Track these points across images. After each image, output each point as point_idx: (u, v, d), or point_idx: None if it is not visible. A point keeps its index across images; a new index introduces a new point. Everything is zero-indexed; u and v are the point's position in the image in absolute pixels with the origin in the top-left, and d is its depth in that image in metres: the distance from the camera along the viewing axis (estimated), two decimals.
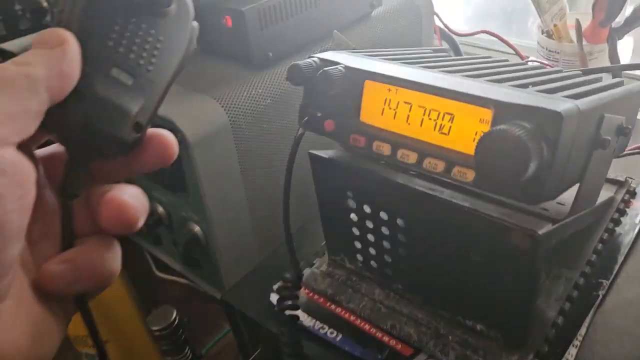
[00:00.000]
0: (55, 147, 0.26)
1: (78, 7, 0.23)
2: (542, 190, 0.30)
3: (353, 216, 0.42)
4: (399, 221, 0.39)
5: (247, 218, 0.58)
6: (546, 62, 0.81)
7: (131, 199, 0.24)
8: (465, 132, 0.32)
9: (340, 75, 0.35)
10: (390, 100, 0.35)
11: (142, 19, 0.25)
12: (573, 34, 0.78)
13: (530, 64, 0.47)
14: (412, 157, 0.34)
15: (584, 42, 0.77)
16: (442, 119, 0.33)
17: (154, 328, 0.49)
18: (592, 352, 0.39)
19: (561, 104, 0.29)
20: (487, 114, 0.31)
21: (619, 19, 0.75)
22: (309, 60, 0.37)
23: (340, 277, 0.46)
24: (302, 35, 0.58)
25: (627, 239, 0.46)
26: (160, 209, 0.61)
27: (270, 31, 0.54)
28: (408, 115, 0.34)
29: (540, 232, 0.32)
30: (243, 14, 0.51)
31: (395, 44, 0.69)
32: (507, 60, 0.46)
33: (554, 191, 0.31)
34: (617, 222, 0.47)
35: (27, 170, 0.21)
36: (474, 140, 0.32)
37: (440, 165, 0.33)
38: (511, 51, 0.81)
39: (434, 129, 0.33)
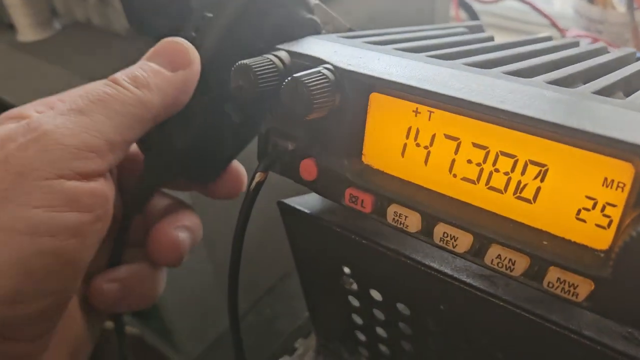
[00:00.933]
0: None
1: (217, 32, 0.23)
2: None
3: (353, 300, 0.27)
4: (429, 320, 0.24)
5: (206, 266, 0.42)
6: (587, 34, 0.64)
7: (182, 234, 0.25)
8: (569, 201, 0.16)
9: (327, 86, 0.19)
10: (418, 131, 0.19)
11: None
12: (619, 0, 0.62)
13: (591, 46, 0.31)
14: (463, 243, 0.18)
15: (636, 8, 0.61)
16: (524, 173, 0.17)
17: None
18: None
19: None
20: (624, 171, 0.15)
21: None
22: (269, 56, 0.21)
23: None
24: None
25: None
26: None
27: None
28: (454, 161, 0.18)
29: None
30: None
31: (401, 18, 0.53)
32: (575, 44, 0.29)
33: None
34: None
35: (110, 200, 0.20)
36: (586, 219, 0.16)
37: (521, 263, 0.17)
38: (545, 22, 0.65)
39: (506, 190, 0.17)
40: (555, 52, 0.24)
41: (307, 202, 0.25)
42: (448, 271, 0.21)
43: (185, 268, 0.40)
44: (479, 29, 0.32)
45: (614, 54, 0.26)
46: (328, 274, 0.26)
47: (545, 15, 0.63)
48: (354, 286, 0.26)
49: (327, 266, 0.26)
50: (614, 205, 0.16)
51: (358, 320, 0.28)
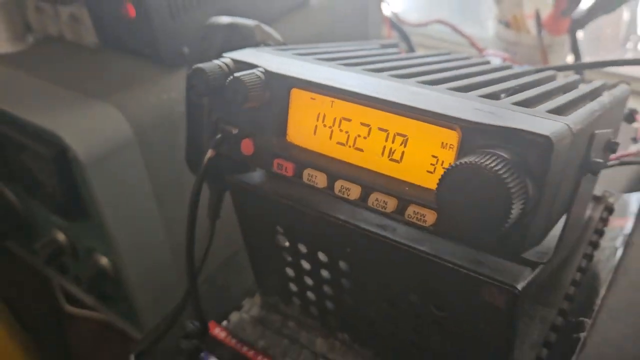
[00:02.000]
0: None
1: None
2: (526, 238, 0.22)
3: (286, 256, 0.34)
4: (342, 264, 0.31)
5: (164, 245, 0.49)
6: (504, 55, 0.74)
7: None
8: (422, 159, 0.24)
9: (258, 83, 0.27)
10: (325, 116, 0.27)
11: None
12: (532, 25, 0.72)
13: (491, 60, 0.40)
14: (354, 192, 0.26)
15: (544, 33, 0.71)
16: (393, 142, 0.25)
17: None
18: None
19: (548, 124, 0.22)
20: (452, 136, 0.23)
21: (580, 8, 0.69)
22: (217, 62, 0.28)
23: (275, 323, 0.38)
24: None
25: (609, 265, 0.40)
26: (62, 237, 0.51)
27: (183, 21, 0.45)
28: (348, 136, 0.26)
29: (520, 286, 0.25)
30: (145, 2, 0.42)
31: (338, 37, 0.61)
32: (468, 58, 0.38)
33: (540, 236, 0.24)
34: (596, 246, 0.41)
35: None
36: (433, 170, 0.24)
37: (391, 204, 0.25)
38: (466, 42, 0.74)
39: (382, 154, 0.25)
40: (445, 63, 0.32)
41: (249, 177, 0.33)
42: (351, 221, 0.28)
43: (146, 248, 0.47)
44: (393, 45, 0.41)
45: (514, 69, 0.35)
46: (266, 235, 0.33)
47: (465, 37, 0.73)
48: (286, 243, 0.33)
49: (265, 228, 0.33)
50: (449, 161, 0.24)
51: (290, 273, 0.35)
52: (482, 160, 0.20)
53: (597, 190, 0.44)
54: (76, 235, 0.50)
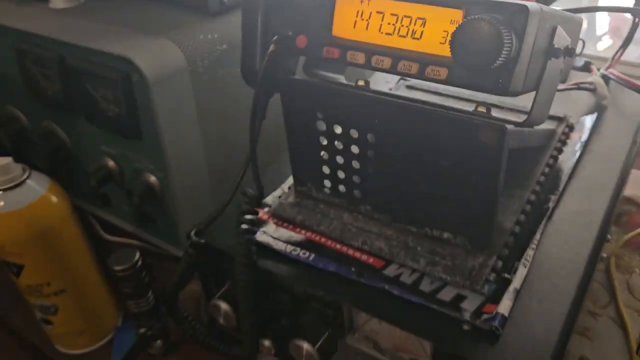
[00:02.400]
0: None
1: None
2: (511, 80, 0.32)
3: (322, 139, 0.43)
4: (369, 136, 0.41)
5: (203, 166, 0.58)
6: None
7: None
8: (436, 35, 0.34)
9: None
10: (362, 12, 0.37)
11: None
12: None
13: None
14: (386, 63, 0.36)
15: None
16: (415, 24, 0.35)
17: (117, 268, 0.47)
18: (545, 254, 0.43)
19: (528, 3, 0.32)
20: (458, 14, 0.33)
21: None
22: None
23: (308, 205, 0.47)
24: None
25: (570, 163, 0.50)
26: (111, 163, 0.59)
27: None
28: (380, 25, 0.36)
29: (507, 126, 0.35)
30: None
31: None
32: None
33: (520, 86, 0.34)
34: (560, 150, 0.51)
35: None
36: (445, 41, 0.34)
37: (414, 67, 0.35)
38: None
39: (407, 35, 0.35)
40: None
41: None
42: (382, 96, 0.38)
43: (189, 168, 0.55)
44: None
45: None
46: (307, 123, 0.43)
47: None
48: (324, 128, 0.43)
49: (307, 117, 0.43)
50: None
51: (325, 155, 0.44)
52: (483, 17, 0.30)
53: (561, 113, 0.54)
54: (125, 160, 0.58)
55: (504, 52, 0.30)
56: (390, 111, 0.38)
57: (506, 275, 0.40)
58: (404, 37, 0.35)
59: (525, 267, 0.41)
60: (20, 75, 0.59)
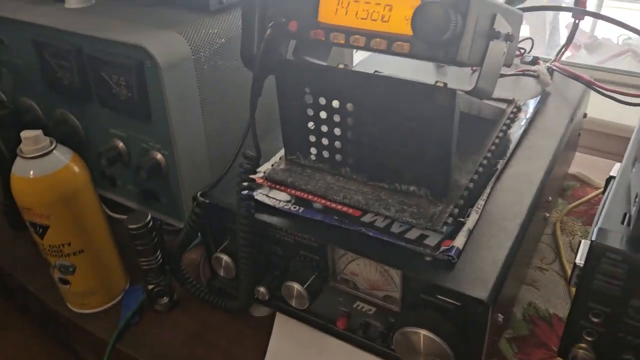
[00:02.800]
0: None
1: None
2: (457, 52, 0.42)
3: (309, 111, 0.52)
4: (349, 105, 0.49)
5: (204, 143, 0.66)
6: None
7: None
8: (401, 18, 0.43)
9: None
10: (342, 1, 0.46)
11: None
12: None
13: None
14: (361, 41, 0.45)
15: None
16: (384, 10, 0.44)
17: (132, 226, 0.54)
18: (494, 203, 0.51)
19: None
20: (416, 1, 0.42)
21: None
22: None
23: (297, 170, 0.55)
24: None
25: (516, 136, 0.60)
26: (120, 144, 0.67)
27: None
28: (357, 11, 0.45)
29: (457, 89, 0.44)
30: None
31: None
32: None
33: (466, 58, 0.43)
34: (509, 126, 0.61)
35: None
36: (407, 22, 0.43)
37: (383, 44, 0.44)
38: None
39: (377, 19, 0.44)
40: None
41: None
42: (359, 71, 0.47)
43: (192, 147, 0.63)
44: None
45: None
46: (296, 97, 0.52)
47: None
48: (311, 100, 0.51)
49: (297, 92, 0.51)
50: None
51: (311, 125, 0.53)
52: (434, 0, 0.40)
53: (510, 96, 0.64)
54: (134, 141, 0.66)
55: (450, 27, 0.40)
56: (365, 83, 0.47)
57: (461, 219, 0.49)
58: (375, 20, 0.44)
59: (477, 213, 0.50)
60: (38, 66, 0.67)
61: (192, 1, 0.65)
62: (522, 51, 0.74)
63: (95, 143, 0.70)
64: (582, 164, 0.78)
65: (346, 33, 0.45)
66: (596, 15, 0.68)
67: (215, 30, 0.63)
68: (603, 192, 0.53)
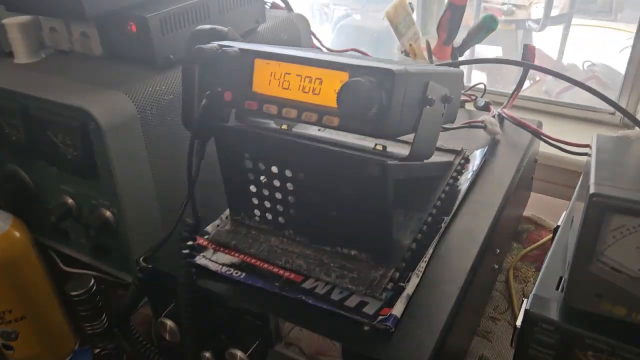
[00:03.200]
0: None
1: None
2: (385, 126, 0.42)
3: (250, 175, 0.52)
4: (287, 172, 0.49)
5: (154, 201, 0.65)
6: None
7: None
8: (331, 91, 0.43)
9: (235, 54, 0.46)
10: (275, 73, 0.46)
11: None
12: (425, 53, 0.95)
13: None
14: (293, 113, 0.45)
15: (434, 59, 0.94)
16: (314, 83, 0.44)
17: (73, 293, 0.54)
18: (435, 265, 0.51)
19: (395, 67, 0.42)
20: (345, 76, 0.43)
21: (459, 39, 0.93)
22: (211, 45, 0.47)
23: (242, 232, 0.55)
24: None
25: (463, 189, 0.60)
26: (70, 201, 0.66)
27: (171, 36, 0.64)
28: (289, 83, 0.45)
29: (389, 162, 0.44)
30: (146, 20, 0.60)
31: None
32: (373, 57, 0.58)
33: (395, 130, 0.43)
34: (456, 179, 0.61)
35: None
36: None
37: (314, 117, 0.44)
38: None
39: (309, 92, 0.44)
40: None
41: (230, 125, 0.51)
42: (296, 139, 0.47)
43: (141, 203, 0.62)
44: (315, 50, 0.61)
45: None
46: (237, 162, 0.51)
47: None
48: (250, 165, 0.51)
49: (236, 157, 0.51)
50: None
51: (253, 188, 0.53)
52: (359, 79, 0.40)
53: (458, 146, 0.65)
54: (83, 198, 0.65)
55: (374, 105, 0.40)
56: (301, 151, 0.47)
57: (401, 283, 0.49)
58: (307, 92, 0.45)
59: (418, 276, 0.50)
60: None
61: (140, 58, 0.65)
62: (474, 97, 0.74)
63: (46, 197, 0.69)
64: (537, 205, 0.79)
65: (278, 105, 0.46)
66: (543, 70, 0.69)
67: (163, 87, 0.63)
68: (551, 241, 0.54)
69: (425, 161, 0.53)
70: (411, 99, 0.44)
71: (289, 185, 0.50)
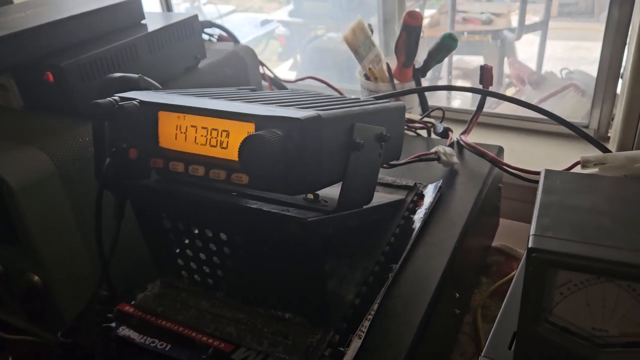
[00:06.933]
0: None
1: None
2: (299, 182, 0.37)
3: (171, 235, 0.47)
4: (207, 232, 0.45)
5: (84, 258, 0.60)
6: None
7: None
8: (238, 144, 0.39)
9: (135, 109, 0.41)
10: (180, 126, 0.41)
11: None
12: (386, 75, 0.91)
13: (321, 94, 0.55)
14: (200, 170, 0.40)
15: (395, 81, 0.89)
16: (221, 136, 0.39)
17: None
18: (381, 321, 0.46)
19: (304, 113, 0.37)
20: (251, 127, 0.38)
21: (420, 59, 0.89)
22: (109, 99, 0.42)
23: (171, 295, 0.50)
24: None
25: (415, 230, 0.55)
26: None
27: (91, 82, 0.59)
28: (195, 137, 0.41)
29: (309, 219, 0.39)
30: (62, 69, 0.56)
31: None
32: (305, 93, 0.54)
33: (313, 184, 0.39)
34: (408, 219, 0.56)
35: None
36: None
37: (222, 174, 0.39)
38: (336, 93, 0.92)
39: (217, 145, 0.40)
40: (281, 95, 0.48)
41: (142, 182, 0.46)
42: (211, 197, 0.42)
43: (69, 263, 0.57)
44: (250, 89, 0.56)
45: (332, 96, 0.50)
46: (155, 221, 0.47)
47: (333, 88, 0.91)
48: (169, 225, 0.46)
49: (154, 216, 0.46)
50: None
51: (176, 249, 0.48)
52: (260, 133, 0.35)
53: (411, 181, 0.60)
54: (9, 262, 0.60)
55: (281, 160, 0.35)
56: (218, 210, 0.43)
57: (341, 348, 0.44)
58: (214, 146, 0.40)
59: (360, 338, 0.45)
60: None
61: (61, 108, 0.60)
62: (430, 125, 0.70)
63: None
64: (508, 233, 0.74)
65: (185, 161, 0.41)
66: (500, 97, 0.65)
67: (87, 139, 0.58)
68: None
69: (366, 206, 0.48)
70: (332, 146, 0.40)
71: (212, 246, 0.45)
